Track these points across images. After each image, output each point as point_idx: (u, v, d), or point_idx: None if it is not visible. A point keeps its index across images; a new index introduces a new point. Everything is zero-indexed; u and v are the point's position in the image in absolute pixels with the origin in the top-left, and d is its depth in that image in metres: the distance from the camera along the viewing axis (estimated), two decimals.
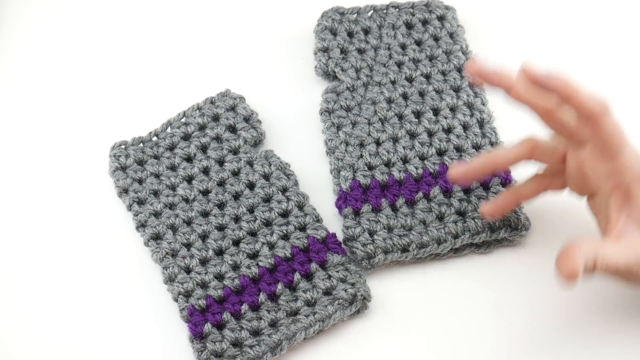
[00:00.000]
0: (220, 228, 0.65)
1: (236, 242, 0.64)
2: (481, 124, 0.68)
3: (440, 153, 0.67)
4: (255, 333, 0.61)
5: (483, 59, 0.61)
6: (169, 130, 0.69)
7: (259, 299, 0.62)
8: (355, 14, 0.74)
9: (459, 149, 0.67)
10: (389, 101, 0.70)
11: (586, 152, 0.58)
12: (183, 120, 0.70)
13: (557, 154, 0.60)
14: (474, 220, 0.64)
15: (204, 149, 0.68)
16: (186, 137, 0.69)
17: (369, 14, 0.74)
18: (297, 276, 0.62)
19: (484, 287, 0.64)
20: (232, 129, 0.69)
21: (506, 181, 0.66)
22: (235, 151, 0.68)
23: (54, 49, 0.76)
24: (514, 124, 0.70)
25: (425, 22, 0.73)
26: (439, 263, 0.65)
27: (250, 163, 0.67)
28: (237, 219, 0.65)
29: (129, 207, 0.66)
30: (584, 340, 0.62)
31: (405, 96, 0.70)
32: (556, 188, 0.62)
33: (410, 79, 0.71)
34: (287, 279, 0.62)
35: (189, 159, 0.68)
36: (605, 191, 0.58)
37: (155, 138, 0.69)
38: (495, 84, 0.57)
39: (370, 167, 0.67)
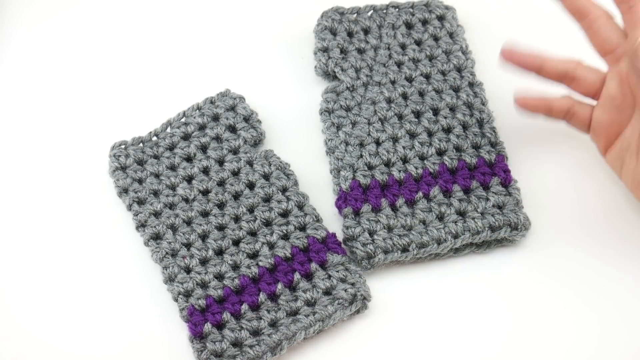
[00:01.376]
0: (220, 228, 0.65)
1: (236, 242, 0.64)
2: (481, 123, 0.68)
3: (440, 153, 0.67)
4: (255, 333, 0.61)
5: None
6: (168, 130, 0.69)
7: (259, 299, 0.62)
8: (355, 14, 0.74)
9: (458, 149, 0.67)
10: (389, 101, 0.70)
11: (623, 64, 0.60)
12: (183, 120, 0.70)
13: (597, 75, 0.63)
14: (474, 220, 0.64)
15: (203, 148, 0.68)
16: (186, 137, 0.69)
17: (369, 13, 0.74)
18: (297, 276, 0.62)
19: (484, 287, 0.64)
20: (232, 128, 0.69)
21: (506, 181, 0.66)
22: (235, 151, 0.68)
23: (55, 49, 0.77)
24: (514, 124, 0.71)
25: (425, 22, 0.73)
26: (439, 263, 0.65)
27: (250, 163, 0.67)
28: (237, 219, 0.65)
29: (129, 207, 0.66)
30: (583, 339, 0.62)
31: (405, 96, 0.70)
32: (581, 118, 0.64)
33: (410, 79, 0.71)
34: (287, 279, 0.62)
35: (188, 159, 0.68)
36: None
37: (155, 138, 0.69)
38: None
39: (370, 167, 0.67)
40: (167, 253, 0.64)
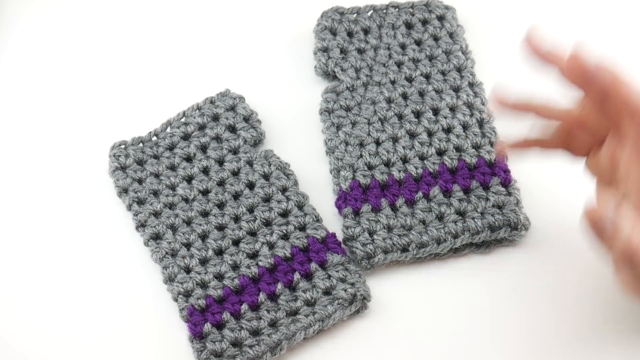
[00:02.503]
0: (220, 228, 0.65)
1: (236, 242, 0.64)
2: (481, 123, 0.68)
3: (440, 153, 0.67)
4: (255, 333, 0.61)
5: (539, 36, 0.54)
6: (168, 130, 0.69)
7: (259, 299, 0.62)
8: (355, 14, 0.74)
9: (458, 149, 0.67)
10: (389, 101, 0.70)
11: (626, 150, 0.52)
12: (183, 120, 0.70)
13: (603, 128, 0.55)
14: (474, 220, 0.64)
15: (203, 148, 0.68)
16: (186, 137, 0.69)
17: (369, 13, 0.74)
18: (296, 276, 0.62)
19: (484, 287, 0.64)
20: (232, 128, 0.69)
21: (506, 181, 0.66)
22: (235, 151, 0.68)
23: (54, 49, 0.77)
24: (514, 124, 0.71)
25: (425, 22, 0.73)
26: (439, 263, 0.65)
27: (250, 163, 0.67)
28: (236, 219, 0.65)
29: (129, 207, 0.66)
30: (584, 340, 0.62)
31: (405, 96, 0.70)
32: (578, 152, 0.57)
33: (410, 79, 0.71)
34: (286, 279, 0.62)
35: (188, 159, 0.68)
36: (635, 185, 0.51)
37: (155, 138, 0.69)
38: (549, 62, 0.53)
39: (370, 167, 0.67)
40: (167, 253, 0.64)
